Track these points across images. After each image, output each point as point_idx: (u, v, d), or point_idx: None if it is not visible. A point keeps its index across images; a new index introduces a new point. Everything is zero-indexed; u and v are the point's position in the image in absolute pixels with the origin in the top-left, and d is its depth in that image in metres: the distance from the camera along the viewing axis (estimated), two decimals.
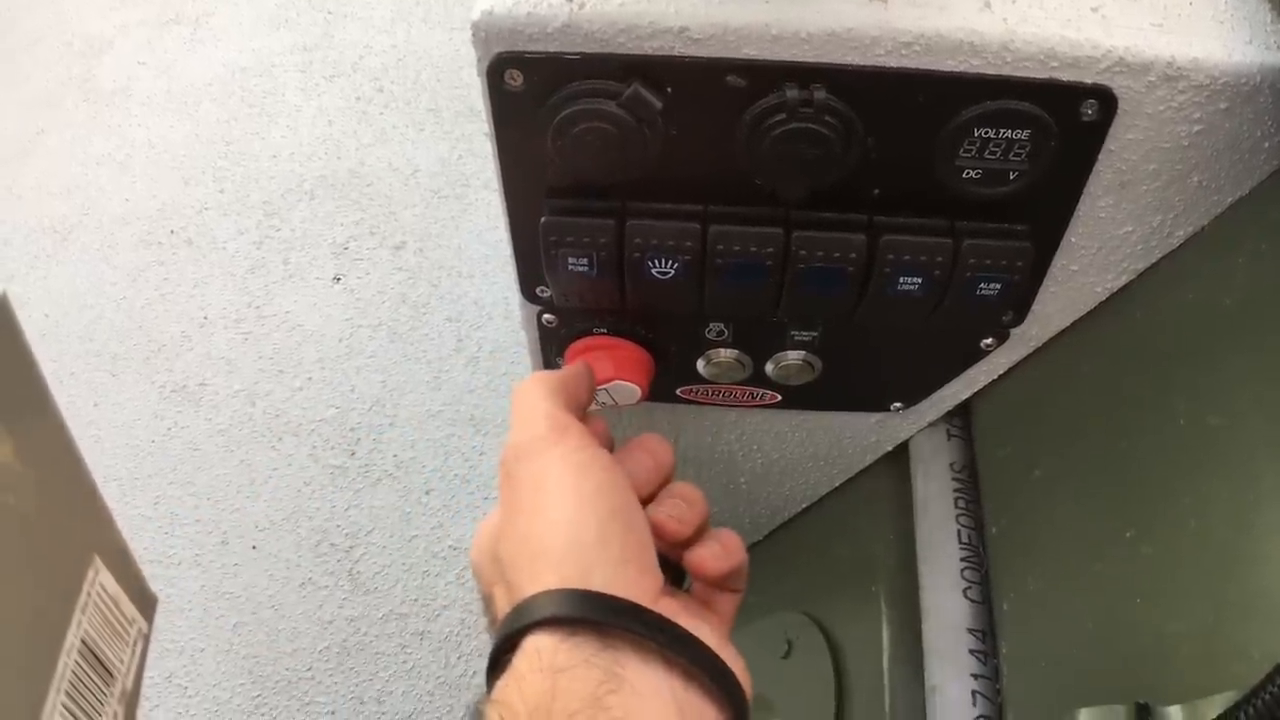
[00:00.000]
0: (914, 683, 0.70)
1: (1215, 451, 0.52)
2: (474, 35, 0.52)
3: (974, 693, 0.65)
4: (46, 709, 0.40)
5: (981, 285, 0.59)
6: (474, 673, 1.25)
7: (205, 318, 1.61)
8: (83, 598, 0.43)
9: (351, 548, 1.36)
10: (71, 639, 0.42)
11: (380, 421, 1.47)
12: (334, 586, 1.33)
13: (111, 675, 0.45)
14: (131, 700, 0.47)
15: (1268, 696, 0.38)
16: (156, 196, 1.78)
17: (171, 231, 1.73)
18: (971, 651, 0.67)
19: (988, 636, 0.68)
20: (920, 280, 0.58)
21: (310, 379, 1.53)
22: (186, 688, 1.26)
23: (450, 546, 1.35)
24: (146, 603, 0.50)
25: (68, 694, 0.41)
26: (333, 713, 1.23)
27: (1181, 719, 0.45)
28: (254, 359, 1.56)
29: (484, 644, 1.26)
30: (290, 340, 1.57)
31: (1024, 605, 0.63)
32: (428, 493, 1.40)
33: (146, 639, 0.49)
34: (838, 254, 0.57)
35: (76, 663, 0.42)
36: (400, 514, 1.38)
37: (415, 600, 1.31)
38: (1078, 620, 0.58)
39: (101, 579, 0.45)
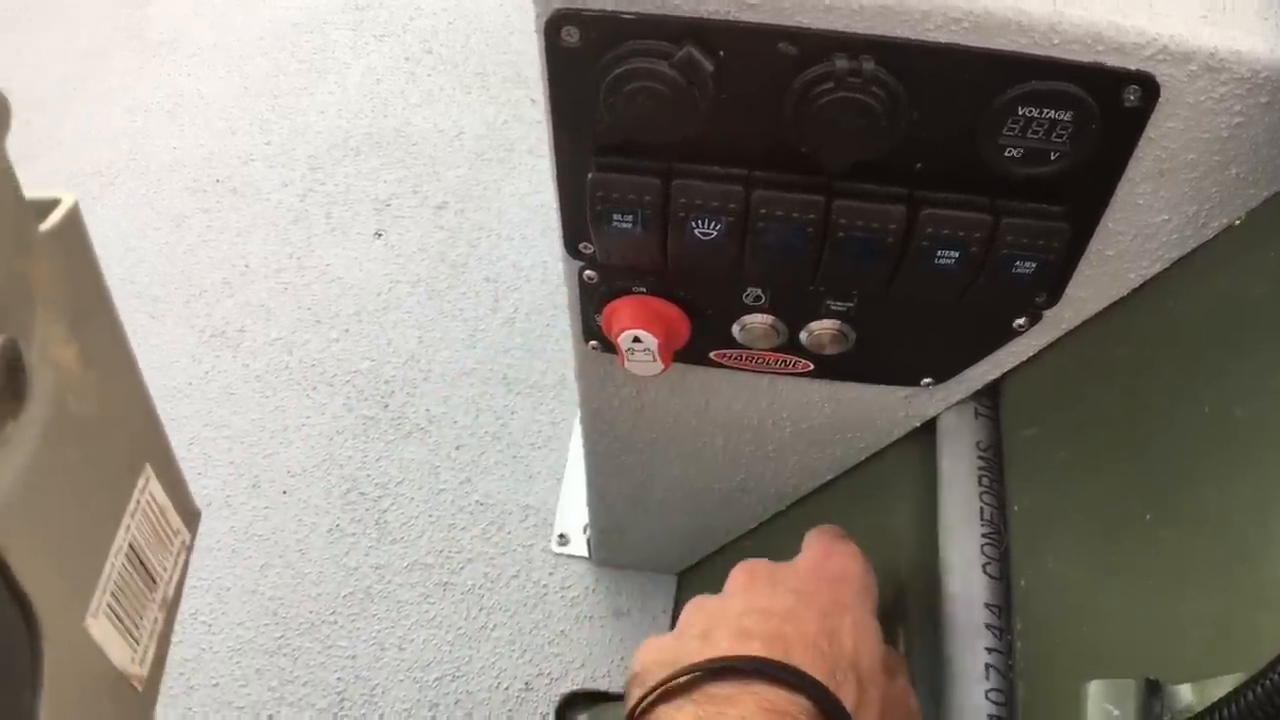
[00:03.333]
0: (930, 653, 0.71)
1: (1239, 442, 0.53)
2: None
3: (987, 665, 0.67)
4: (93, 605, 0.42)
5: (1017, 264, 0.60)
6: (494, 626, 1.27)
7: (247, 266, 1.63)
8: (133, 503, 0.45)
9: (380, 497, 1.38)
10: (120, 542, 0.44)
11: (414, 376, 1.49)
12: (361, 534, 1.35)
13: (155, 581, 0.47)
14: (171, 608, 0.49)
15: (1274, 679, 0.39)
16: (203, 145, 1.80)
17: (217, 180, 1.75)
18: (987, 626, 0.68)
19: (1004, 612, 0.69)
20: (957, 255, 0.59)
21: (347, 331, 1.54)
22: (210, 625, 1.28)
23: (477, 502, 1.36)
24: (190, 515, 0.52)
25: (113, 594, 0.43)
26: (353, 657, 1.25)
27: (1190, 697, 0.46)
28: (293, 308, 1.58)
29: (505, 599, 1.28)
30: (329, 292, 1.59)
31: (1041, 583, 0.64)
32: (458, 448, 1.41)
33: (189, 550, 0.51)
34: (877, 225, 0.58)
35: (124, 565, 0.44)
36: (430, 467, 1.40)
37: (440, 552, 1.33)
38: (1093, 599, 0.59)
39: (151, 487, 0.47)
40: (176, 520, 0.50)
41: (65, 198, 0.40)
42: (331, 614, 1.29)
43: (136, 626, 0.45)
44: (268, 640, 1.28)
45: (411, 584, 1.31)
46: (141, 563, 0.46)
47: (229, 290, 1.61)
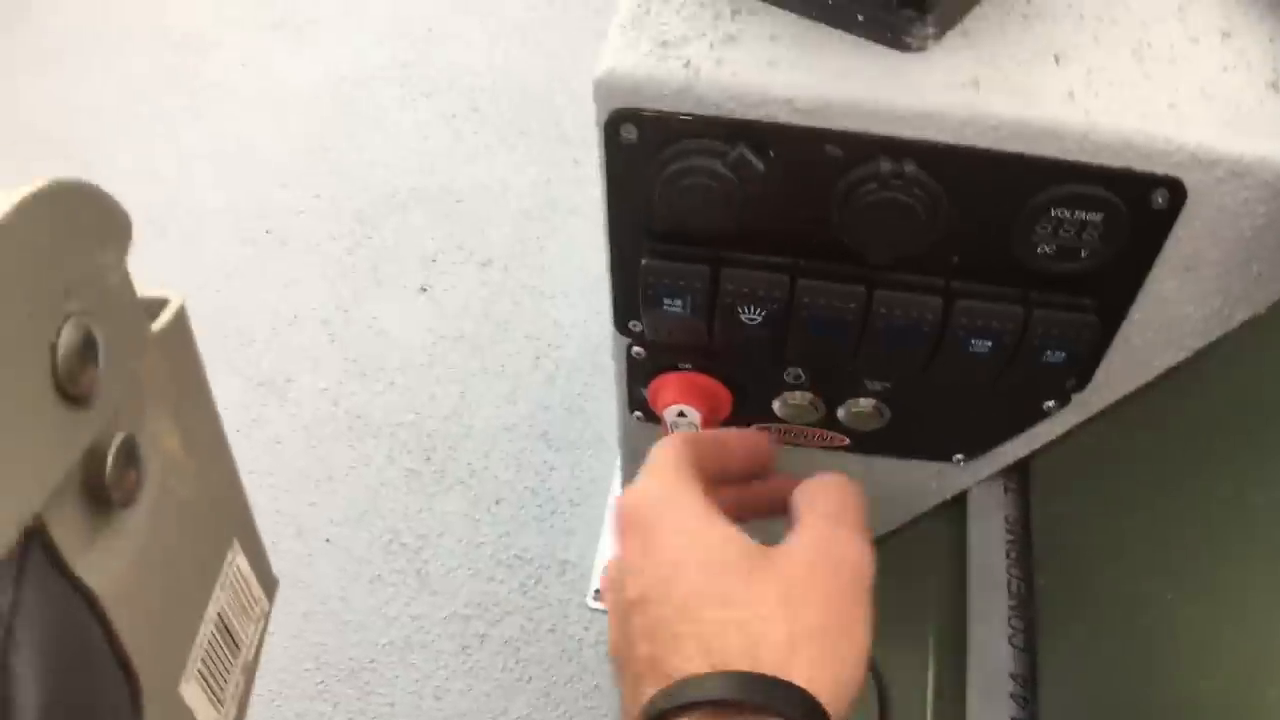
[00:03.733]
0: None
1: (1256, 525, 0.54)
2: (595, 90, 0.56)
3: None
4: (187, 671, 0.45)
5: (1048, 353, 0.62)
6: (530, 678, 1.29)
7: (295, 316, 1.67)
8: (222, 576, 0.48)
9: (420, 549, 1.41)
10: (211, 611, 0.47)
11: (456, 430, 1.52)
12: (401, 584, 1.38)
13: (238, 646, 0.51)
14: (251, 671, 0.52)
15: None
16: (253, 195, 1.85)
17: (267, 231, 1.79)
18: (1012, 695, 0.70)
19: (1028, 683, 0.70)
20: (991, 344, 0.61)
21: (392, 384, 1.58)
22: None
23: (515, 555, 1.39)
24: (270, 584, 0.55)
25: (203, 660, 0.46)
26: (392, 704, 1.28)
27: None
28: (339, 360, 1.61)
29: (541, 652, 1.30)
30: (375, 345, 1.63)
31: (1065, 655, 0.66)
32: (497, 502, 1.44)
33: (267, 617, 0.54)
34: (915, 314, 0.60)
35: (213, 633, 0.47)
36: (470, 520, 1.43)
37: (479, 604, 1.35)
38: (1115, 672, 0.60)
39: (238, 560, 0.50)
40: (258, 589, 0.53)
41: (173, 298, 0.43)
42: (371, 662, 1.32)
43: (222, 689, 0.48)
44: (309, 685, 1.30)
45: (450, 635, 1.33)
46: (228, 630, 0.49)
47: (277, 340, 1.65)
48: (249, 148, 1.94)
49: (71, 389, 0.33)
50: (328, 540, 1.42)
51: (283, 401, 1.57)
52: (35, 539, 0.33)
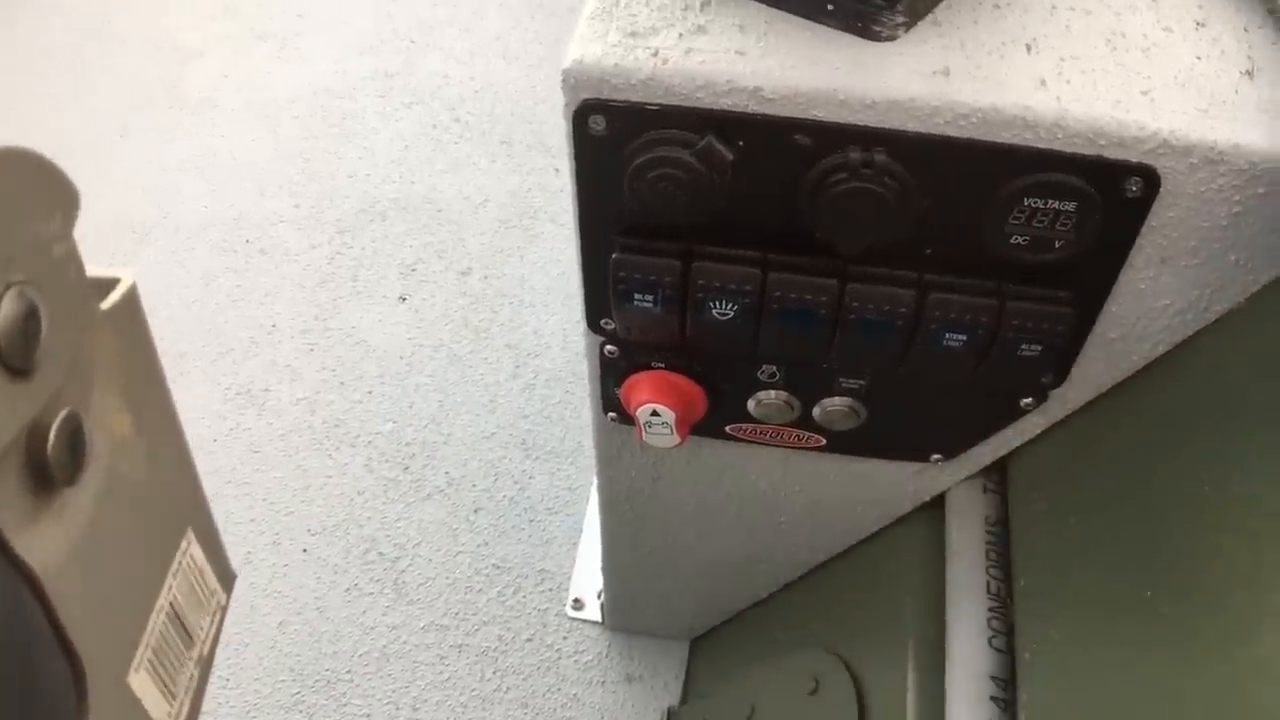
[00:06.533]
0: None
1: (1237, 520, 0.54)
2: (564, 82, 0.55)
3: None
4: (135, 661, 0.44)
5: (1023, 346, 0.61)
6: (508, 688, 1.28)
7: (274, 326, 1.66)
8: (175, 565, 0.47)
9: (398, 558, 1.40)
10: (162, 601, 0.46)
11: (435, 439, 1.51)
12: (378, 594, 1.36)
13: (192, 639, 0.49)
14: (206, 666, 0.51)
15: None
16: (234, 206, 1.84)
17: (246, 241, 1.78)
18: (992, 698, 0.69)
19: (1009, 685, 0.70)
20: (965, 338, 0.61)
21: (370, 393, 1.57)
22: (228, 680, 1.30)
23: (494, 565, 1.38)
24: (227, 577, 0.54)
25: (154, 651, 0.45)
26: (368, 715, 1.26)
27: None
28: (317, 369, 1.60)
29: (519, 661, 1.29)
30: (353, 354, 1.62)
31: (1046, 656, 0.65)
32: (476, 511, 1.43)
33: (224, 611, 0.53)
34: (888, 307, 0.60)
35: (164, 624, 0.46)
36: (448, 530, 1.42)
37: (456, 614, 1.34)
38: (1096, 672, 0.60)
39: (192, 550, 0.49)
40: (214, 582, 0.52)
41: (124, 277, 0.42)
42: (348, 672, 1.30)
43: (174, 683, 0.47)
44: (284, 696, 1.29)
45: (427, 645, 1.32)
46: (181, 622, 0.48)
47: (255, 349, 1.63)
48: (230, 157, 1.94)
49: (12, 360, 0.33)
50: (305, 550, 1.41)
51: (260, 411, 1.56)
52: None
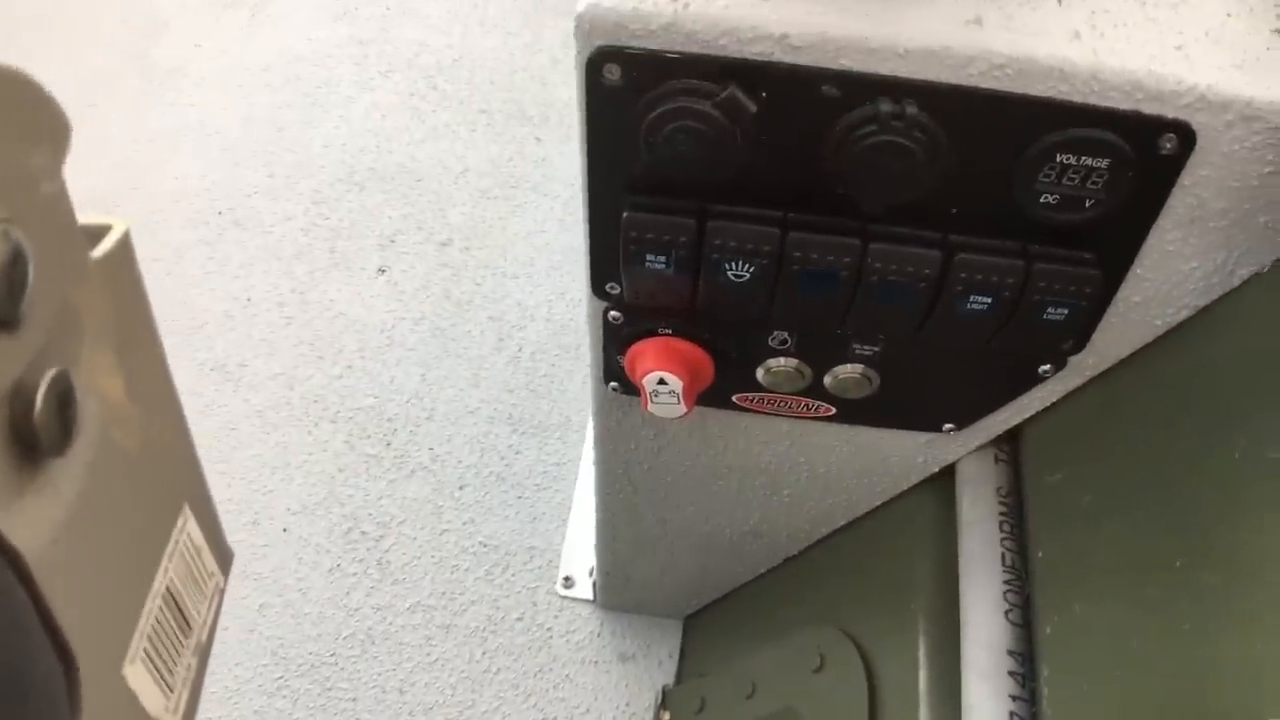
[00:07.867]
0: (949, 702, 0.70)
1: (1273, 485, 0.52)
2: (577, 27, 0.52)
3: (1011, 714, 0.66)
4: (130, 652, 0.40)
5: (1049, 310, 0.60)
6: (498, 669, 1.25)
7: (249, 299, 1.62)
8: (171, 545, 0.44)
9: (382, 537, 1.37)
10: (159, 585, 0.43)
11: (418, 414, 1.48)
12: (362, 574, 1.33)
13: (189, 626, 0.46)
14: (204, 654, 0.48)
15: None
16: (206, 177, 1.80)
17: (220, 213, 1.74)
18: (1011, 673, 0.68)
19: (1026, 660, 0.68)
20: (990, 300, 0.59)
21: (350, 367, 1.54)
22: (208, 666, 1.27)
23: (481, 543, 1.35)
24: (224, 558, 0.51)
25: (150, 640, 0.42)
26: (354, 699, 1.23)
27: None
28: (294, 343, 1.57)
29: (509, 642, 1.27)
30: (332, 328, 1.58)
31: (1068, 628, 0.64)
32: (461, 488, 1.40)
33: (222, 594, 0.50)
34: (911, 268, 0.58)
35: (161, 609, 0.43)
36: (433, 507, 1.39)
37: (443, 593, 1.31)
38: (1123, 645, 0.58)
39: (189, 528, 0.46)
40: (211, 562, 0.49)
41: (116, 224, 0.39)
42: (332, 655, 1.27)
43: (171, 674, 0.44)
44: (266, 681, 1.26)
45: (414, 626, 1.29)
46: (178, 607, 0.45)
47: (230, 324, 1.60)
48: (202, 128, 1.89)
49: None
50: (285, 530, 1.38)
51: (236, 386, 1.53)
52: None
